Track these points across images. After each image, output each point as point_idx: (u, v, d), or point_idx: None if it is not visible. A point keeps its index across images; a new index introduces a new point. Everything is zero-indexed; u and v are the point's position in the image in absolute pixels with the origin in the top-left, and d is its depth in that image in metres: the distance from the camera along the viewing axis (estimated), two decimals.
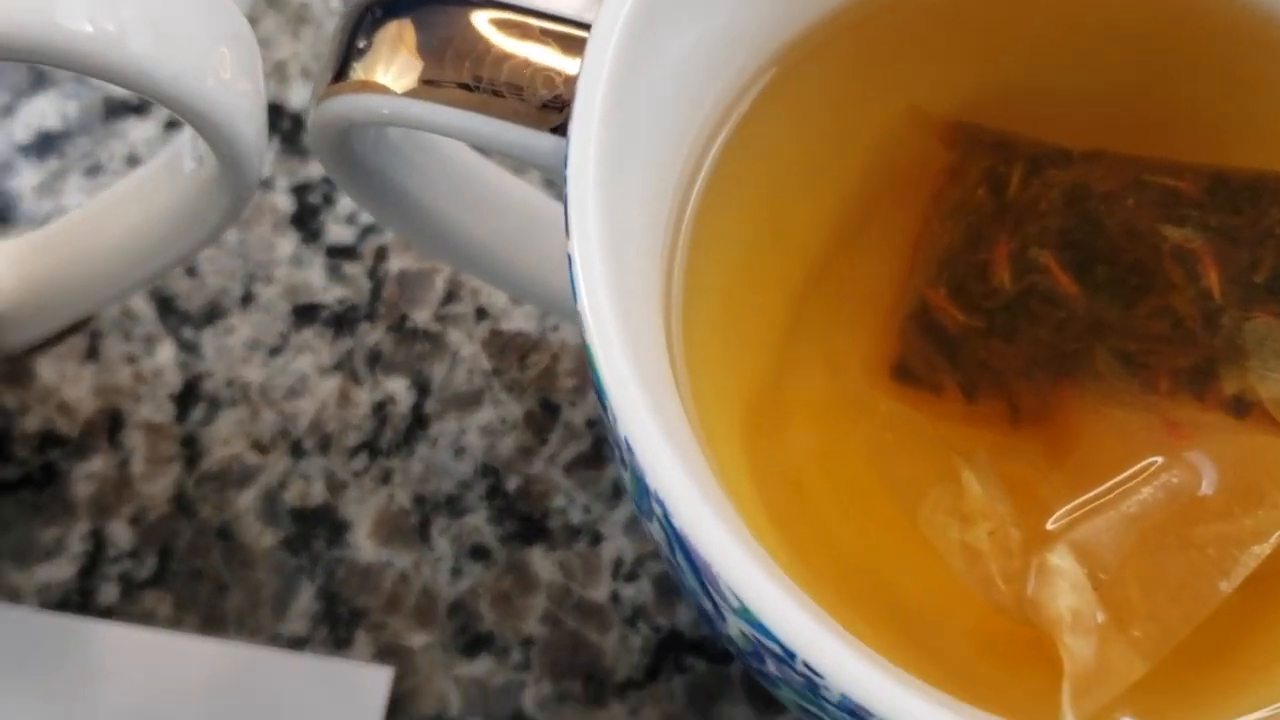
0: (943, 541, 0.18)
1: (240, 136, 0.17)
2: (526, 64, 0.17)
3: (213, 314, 0.25)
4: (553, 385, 0.25)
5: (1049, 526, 0.17)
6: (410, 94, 0.17)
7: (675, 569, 0.15)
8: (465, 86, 0.17)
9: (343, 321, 0.25)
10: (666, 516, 0.13)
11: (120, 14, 0.16)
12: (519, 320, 0.25)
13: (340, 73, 0.17)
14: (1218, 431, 0.19)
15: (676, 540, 0.13)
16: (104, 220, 0.20)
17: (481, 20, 0.17)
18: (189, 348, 0.24)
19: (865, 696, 0.13)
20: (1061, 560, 0.17)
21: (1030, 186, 0.20)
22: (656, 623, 0.23)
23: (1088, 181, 0.20)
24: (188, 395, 0.24)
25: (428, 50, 0.17)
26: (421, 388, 0.24)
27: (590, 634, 0.23)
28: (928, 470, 0.19)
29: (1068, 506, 0.18)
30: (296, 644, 0.23)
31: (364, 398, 0.24)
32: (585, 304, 0.15)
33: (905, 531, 0.19)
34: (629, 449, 0.13)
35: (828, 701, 0.13)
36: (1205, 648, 0.17)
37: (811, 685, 0.13)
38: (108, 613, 0.23)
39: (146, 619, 0.23)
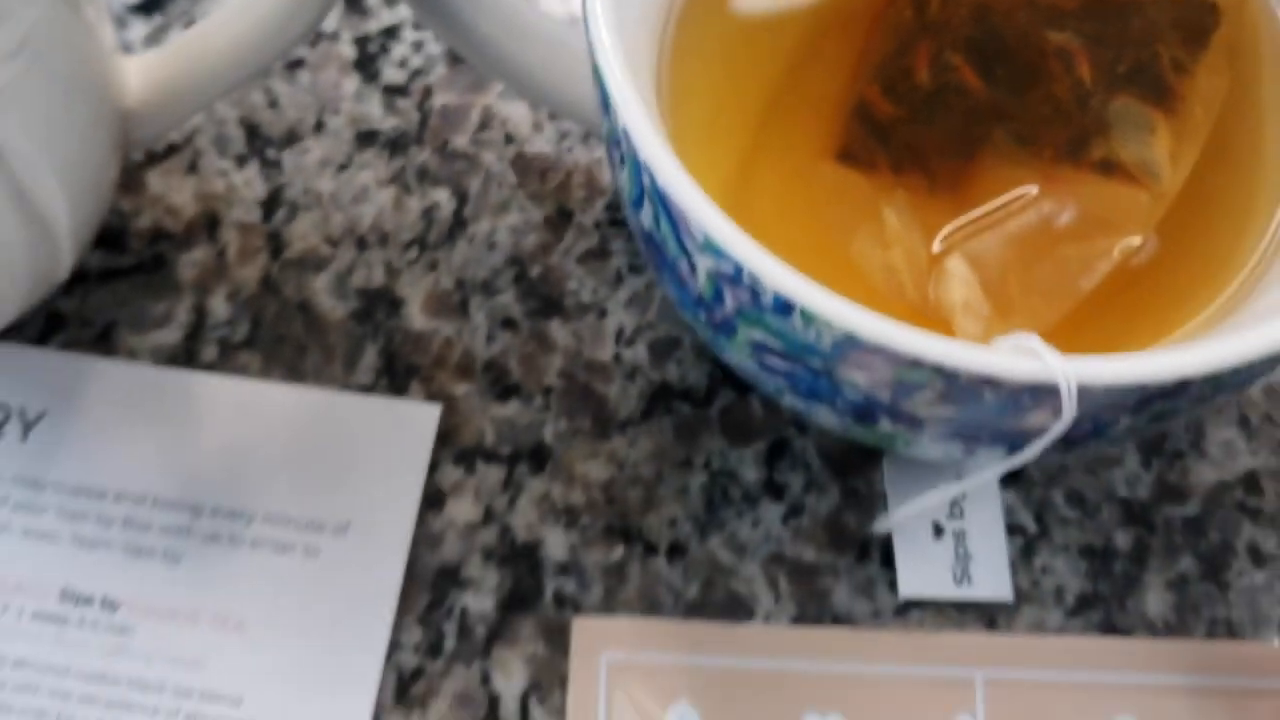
0: (868, 263, 0.23)
1: None
2: None
3: (291, 138, 0.30)
4: (568, 196, 0.30)
5: (946, 244, 0.22)
6: None
7: (658, 247, 0.20)
8: None
9: (396, 145, 0.30)
10: (653, 183, 0.18)
11: None
12: (540, 145, 0.30)
13: None
14: (1085, 184, 0.23)
15: (660, 201, 0.18)
16: (214, 32, 0.25)
17: None
18: (272, 164, 0.30)
19: (794, 291, 0.17)
20: (956, 266, 0.22)
21: (946, 6, 0.25)
22: (650, 377, 0.28)
23: (989, 2, 0.25)
24: (271, 202, 0.29)
25: None
26: (461, 197, 0.29)
27: (597, 385, 0.28)
28: (858, 214, 0.23)
29: (963, 228, 0.22)
30: (365, 390, 0.28)
31: (414, 204, 0.29)
32: (594, 38, 0.19)
33: (839, 267, 0.24)
34: (626, 137, 0.18)
35: (764, 307, 0.18)
36: (1065, 331, 0.22)
37: (756, 298, 0.18)
38: (209, 368, 0.28)
39: (241, 372, 0.28)
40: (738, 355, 0.21)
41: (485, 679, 0.26)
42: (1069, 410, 0.18)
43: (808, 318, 0.17)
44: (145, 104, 0.26)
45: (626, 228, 0.30)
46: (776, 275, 0.17)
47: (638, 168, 0.19)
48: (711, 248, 0.18)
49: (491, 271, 0.29)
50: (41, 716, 0.26)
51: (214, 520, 0.27)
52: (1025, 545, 0.27)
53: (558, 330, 0.29)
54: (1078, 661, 0.26)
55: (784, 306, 0.18)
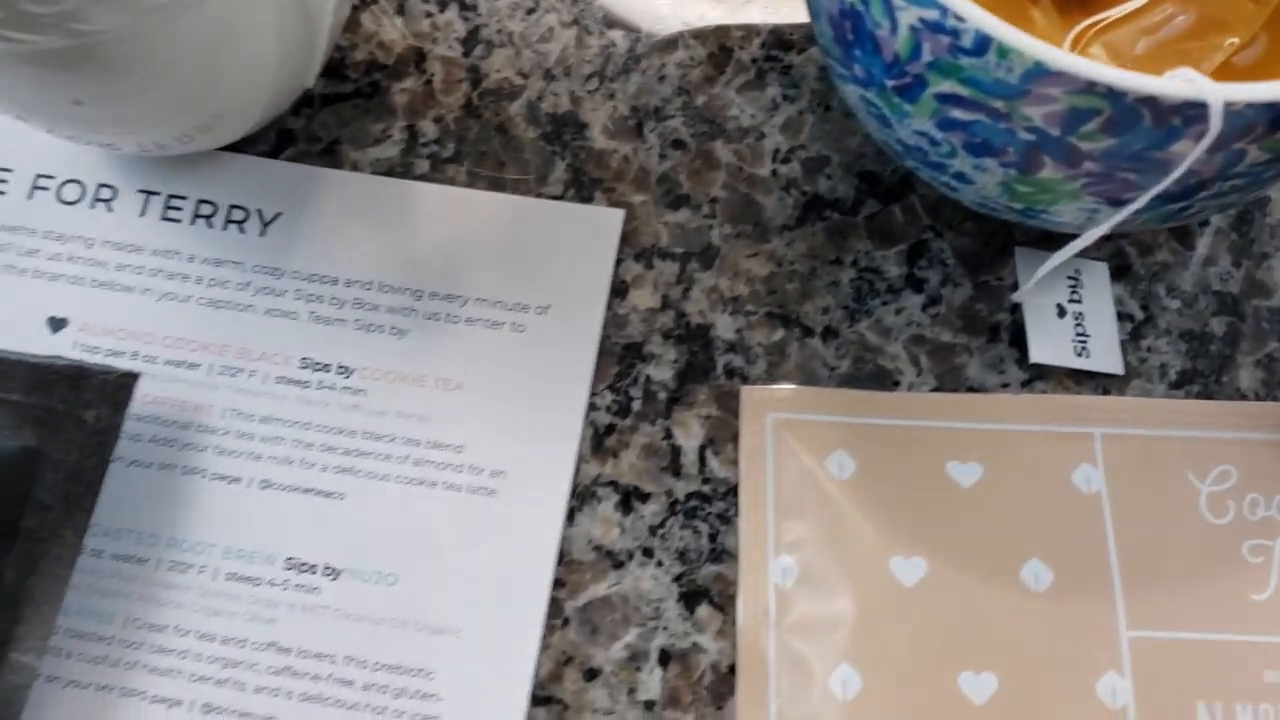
0: None
1: None
2: None
3: None
4: (727, 34, 0.33)
5: (1086, 38, 0.26)
6: None
7: (857, 19, 0.23)
8: None
9: None
10: None
11: None
12: None
13: None
14: None
15: None
16: None
17: None
18: (469, 8, 0.33)
19: (992, 27, 0.21)
20: (1096, 52, 0.26)
21: None
22: (803, 189, 0.32)
23: None
24: (470, 39, 0.33)
25: None
26: (634, 36, 0.33)
27: (757, 195, 0.32)
28: (1009, 15, 0.27)
29: (1101, 25, 0.26)
30: (555, 199, 0.32)
31: (594, 42, 0.33)
32: None
33: None
34: None
35: (962, 49, 0.21)
36: None
37: (956, 40, 0.21)
38: (422, 178, 0.32)
39: (449, 182, 0.32)
40: (919, 118, 0.25)
41: (668, 434, 0.30)
42: (1215, 124, 0.21)
43: (1002, 51, 0.21)
44: None
45: (780, 63, 0.33)
46: (978, 14, 0.21)
47: None
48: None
49: (662, 100, 0.33)
50: (287, 462, 0.30)
51: (433, 302, 0.31)
52: (1133, 330, 0.31)
53: (721, 150, 0.33)
54: (1182, 421, 0.30)
55: (982, 44, 0.22)
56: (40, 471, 0.28)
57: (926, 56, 0.23)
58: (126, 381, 0.29)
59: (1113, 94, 0.21)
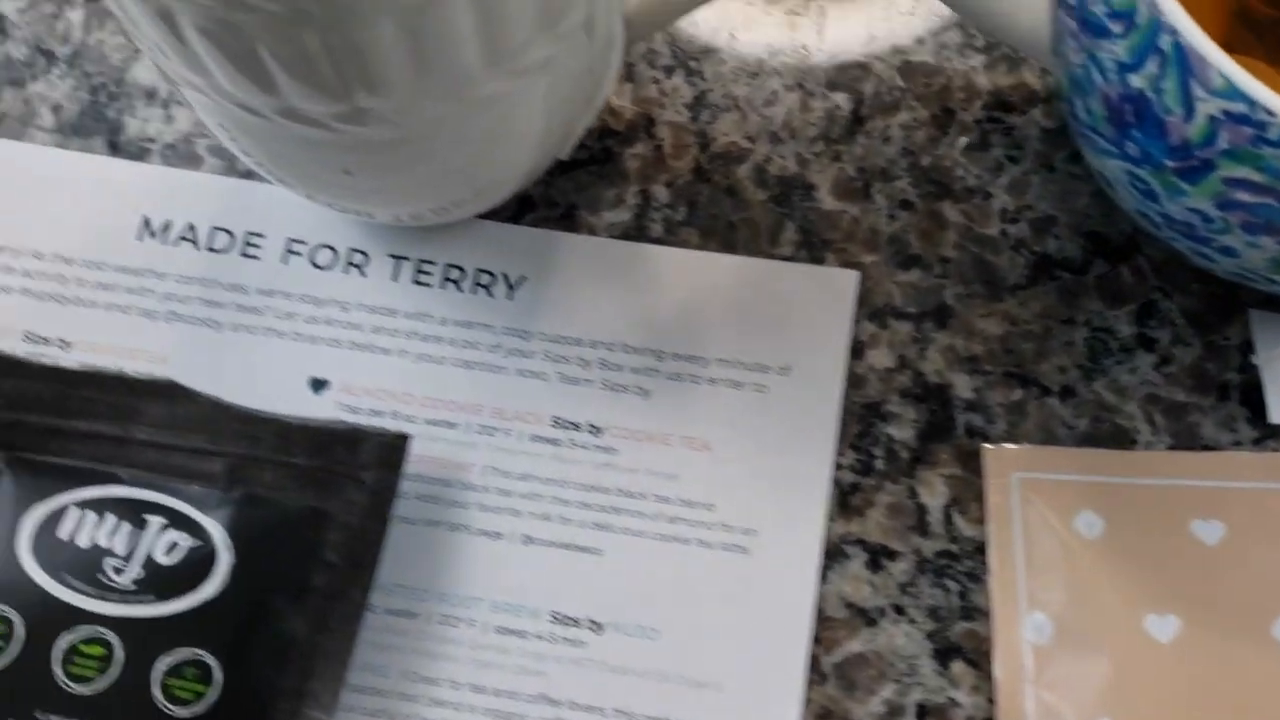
0: None
1: None
2: None
3: (709, 51, 0.35)
4: (949, 97, 0.34)
5: None
6: None
7: (1145, 105, 0.24)
8: None
9: (798, 56, 0.35)
10: (1173, 41, 0.22)
11: None
12: (922, 55, 0.35)
13: None
14: None
15: (1176, 57, 0.23)
16: None
17: None
18: (695, 73, 0.34)
19: None
20: None
21: None
22: (1032, 249, 0.33)
23: None
24: (696, 104, 0.34)
25: None
26: (857, 99, 0.34)
27: (986, 255, 0.33)
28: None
29: None
30: (787, 260, 0.33)
31: (818, 105, 0.34)
32: None
33: None
34: (1147, 4, 0.23)
35: (1265, 139, 0.22)
36: None
37: (1260, 132, 0.22)
38: (657, 241, 0.33)
39: (683, 245, 0.33)
40: (1198, 198, 0.25)
41: (912, 493, 0.31)
42: None
43: None
44: (640, 11, 0.31)
45: (1002, 124, 0.34)
46: None
47: (1154, 29, 0.23)
48: (1228, 91, 0.23)
49: (888, 161, 0.34)
50: (546, 519, 0.31)
51: (675, 362, 0.32)
52: None
53: (949, 210, 0.33)
54: None
55: None
56: (325, 532, 0.29)
57: (1222, 145, 0.24)
58: (399, 443, 0.30)
59: None
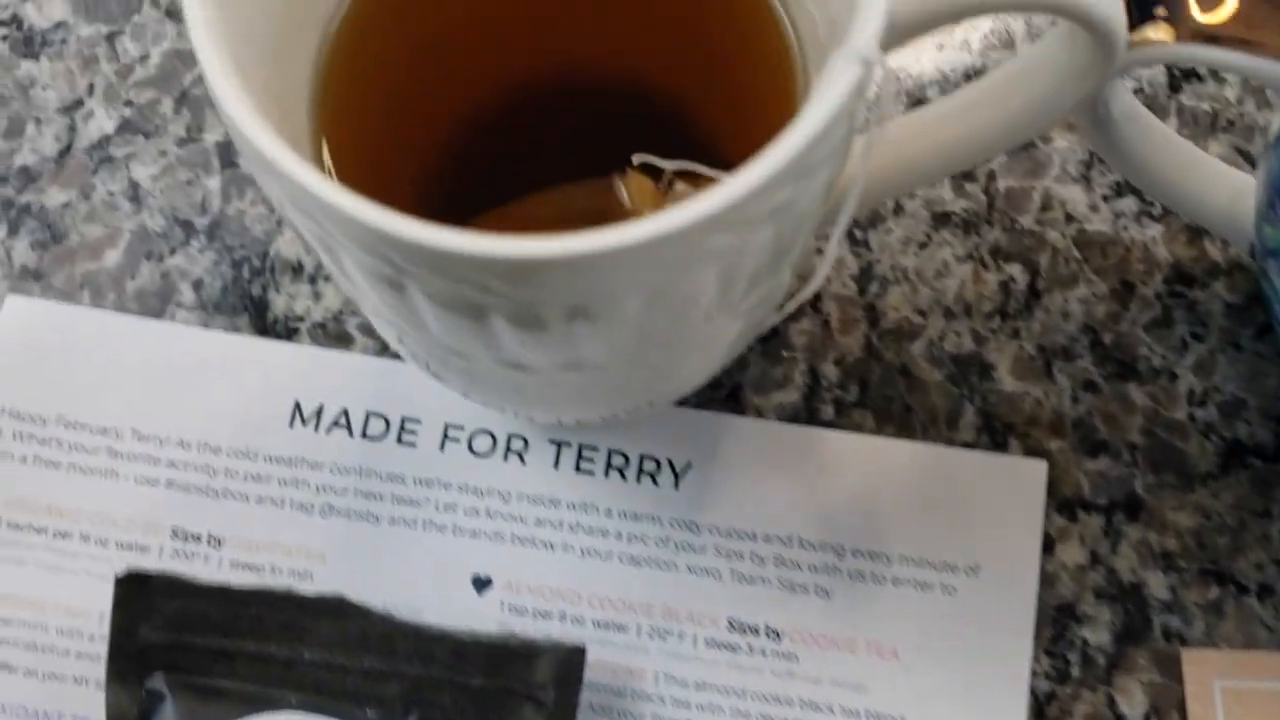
0: None
1: (1114, 38, 0.24)
2: None
3: (875, 220, 0.33)
4: (1128, 269, 0.33)
5: None
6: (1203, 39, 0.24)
7: None
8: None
9: (969, 225, 0.33)
10: None
11: None
12: (1098, 224, 0.33)
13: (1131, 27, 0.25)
14: None
15: None
16: (986, 100, 0.27)
17: None
18: (860, 243, 0.33)
19: None
20: None
21: None
22: (1223, 434, 0.31)
23: None
24: (864, 276, 0.33)
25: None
26: (1033, 270, 0.33)
27: (1175, 441, 0.31)
28: None
29: None
30: (967, 447, 0.31)
31: (991, 278, 0.33)
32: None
33: None
34: None
35: None
36: None
37: None
38: (828, 424, 0.32)
39: (856, 428, 0.32)
40: None
41: (1110, 702, 0.29)
42: None
43: None
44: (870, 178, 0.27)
45: (1185, 299, 0.33)
46: None
47: None
48: None
49: (1069, 338, 0.33)
50: None
51: (856, 560, 0.31)
52: None
53: (1134, 392, 0.32)
54: None
55: None
56: None
57: None
58: (577, 657, 0.29)
59: None
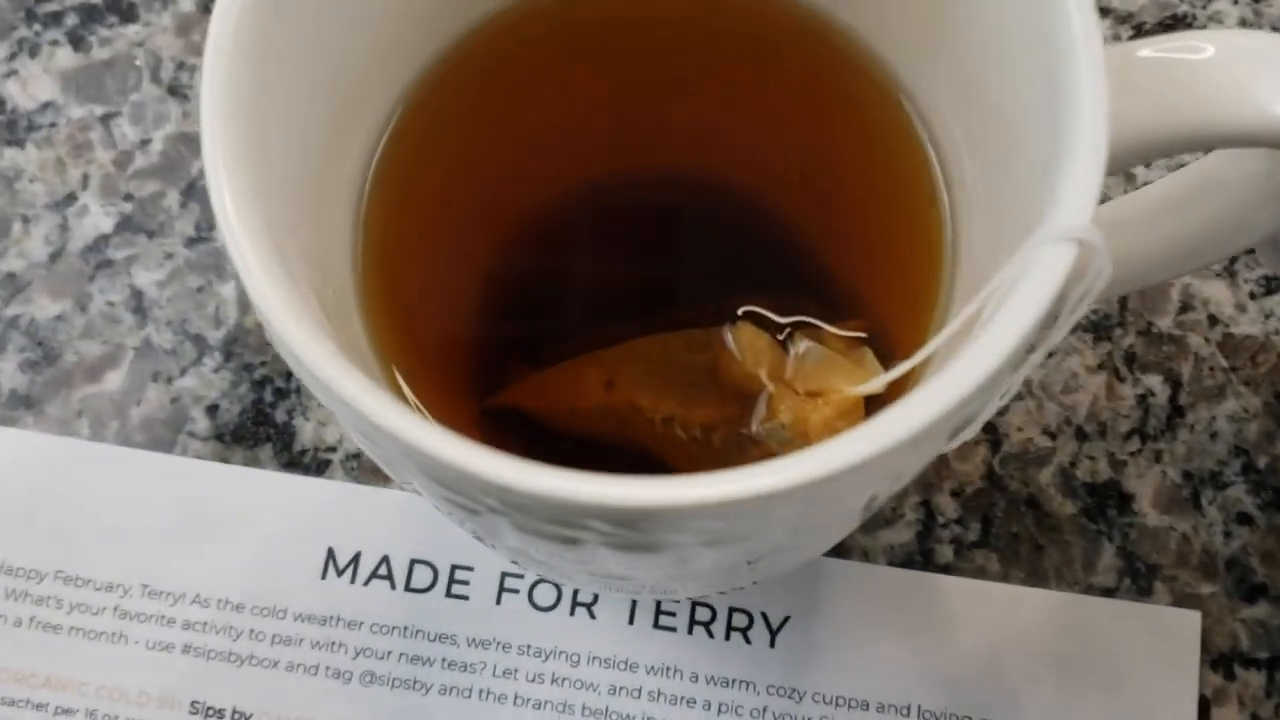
0: None
1: None
2: None
3: None
4: None
5: None
6: None
7: None
8: None
9: (1099, 329, 0.29)
10: None
11: None
12: (1245, 325, 0.29)
13: None
14: None
15: None
16: (1187, 202, 0.22)
17: None
18: None
19: None
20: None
21: None
22: None
23: None
24: None
25: None
26: (1174, 382, 0.29)
27: None
28: None
29: None
30: (1107, 593, 0.27)
31: (1127, 391, 0.29)
32: None
33: None
34: None
35: None
36: None
37: None
38: (946, 569, 0.28)
39: (978, 573, 0.28)
40: None
41: None
42: None
43: None
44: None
45: None
46: None
47: None
48: None
49: (1217, 463, 0.29)
50: None
51: None
52: None
53: None
54: None
55: None
56: None
57: None
58: None
59: None
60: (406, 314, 0.21)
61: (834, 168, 0.24)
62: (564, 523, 0.16)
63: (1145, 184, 0.26)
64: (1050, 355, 0.29)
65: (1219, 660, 0.27)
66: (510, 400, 0.23)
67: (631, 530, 0.16)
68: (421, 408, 0.21)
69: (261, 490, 0.29)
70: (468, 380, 0.23)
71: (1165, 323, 0.30)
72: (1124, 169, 0.21)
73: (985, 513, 0.29)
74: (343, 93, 0.21)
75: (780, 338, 0.21)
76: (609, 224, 0.23)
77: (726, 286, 0.22)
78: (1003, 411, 0.29)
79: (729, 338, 0.21)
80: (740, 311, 0.21)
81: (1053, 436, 0.29)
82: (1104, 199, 0.22)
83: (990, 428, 0.29)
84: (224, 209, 0.17)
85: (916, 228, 0.22)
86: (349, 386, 0.16)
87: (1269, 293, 0.30)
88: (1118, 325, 0.30)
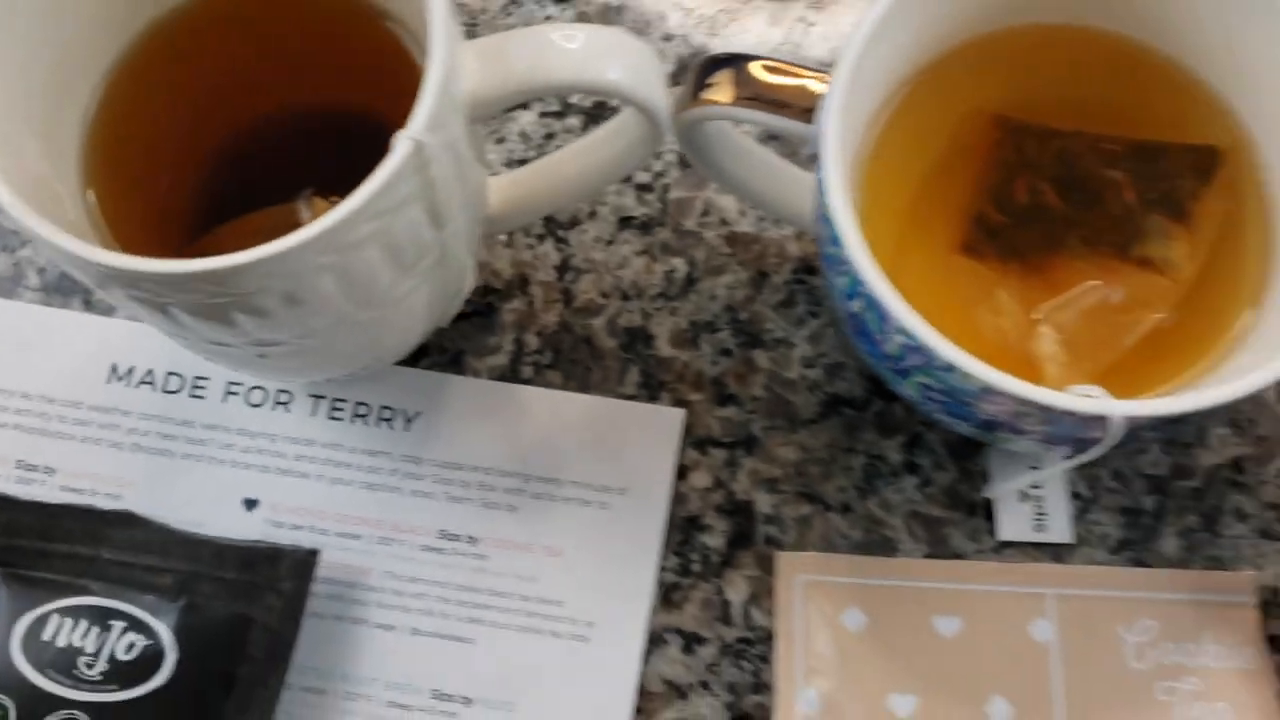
0: (985, 325, 0.34)
1: (661, 118, 0.34)
2: (788, 88, 0.33)
3: (574, 222, 0.42)
4: (764, 261, 0.42)
5: (1040, 315, 0.34)
6: (732, 104, 0.33)
7: (862, 323, 0.32)
8: (755, 99, 0.33)
9: (646, 226, 0.42)
10: (869, 294, 0.30)
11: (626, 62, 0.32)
12: (744, 226, 0.42)
13: (695, 94, 0.34)
14: (1130, 274, 0.35)
15: (870, 303, 0.30)
16: (565, 163, 0.38)
17: (759, 68, 0.34)
18: (562, 241, 0.42)
19: (957, 359, 0.29)
20: (1045, 329, 0.34)
21: (1038, 150, 0.36)
22: (825, 390, 0.41)
23: (1067, 146, 0.36)
24: (563, 267, 0.42)
25: (739, 83, 0.33)
26: (691, 262, 0.41)
27: (788, 395, 0.40)
28: (978, 291, 0.35)
29: (1051, 304, 0.34)
30: (630, 398, 0.40)
31: (659, 268, 0.42)
32: (827, 179, 0.31)
33: (965, 328, 0.35)
34: (851, 265, 0.30)
35: (935, 366, 0.29)
36: (1114, 370, 0.34)
37: (930, 361, 0.29)
38: (527, 382, 0.41)
39: (548, 386, 0.41)
40: (909, 389, 0.33)
41: (719, 591, 0.39)
42: (1117, 429, 0.29)
43: (964, 375, 0.29)
44: (502, 210, 0.38)
45: (806, 285, 0.42)
46: (947, 350, 0.29)
47: (857, 282, 0.30)
48: (905, 333, 0.30)
49: (713, 315, 0.41)
50: (429, 614, 0.39)
51: (538, 484, 0.40)
52: (1082, 506, 0.39)
53: (760, 357, 0.41)
54: (1116, 583, 0.38)
55: (949, 367, 0.29)
56: (249, 633, 0.37)
57: (910, 362, 0.31)
58: (310, 558, 0.38)
59: (1042, 407, 0.29)
60: (126, 197, 0.34)
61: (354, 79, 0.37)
62: (201, 291, 0.29)
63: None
64: (611, 243, 0.42)
65: (698, 443, 0.40)
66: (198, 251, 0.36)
67: (229, 284, 0.29)
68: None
69: (70, 325, 0.42)
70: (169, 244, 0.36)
71: (690, 223, 0.42)
72: (512, 104, 0.34)
73: (557, 346, 0.41)
74: (61, 50, 0.33)
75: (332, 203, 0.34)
76: (253, 138, 0.36)
77: (318, 167, 0.35)
78: (575, 281, 0.42)
79: (303, 208, 0.33)
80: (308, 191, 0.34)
81: (606, 297, 0.42)
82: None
83: (566, 291, 0.42)
84: None
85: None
86: (44, 229, 0.28)
87: None
88: (659, 224, 0.42)
